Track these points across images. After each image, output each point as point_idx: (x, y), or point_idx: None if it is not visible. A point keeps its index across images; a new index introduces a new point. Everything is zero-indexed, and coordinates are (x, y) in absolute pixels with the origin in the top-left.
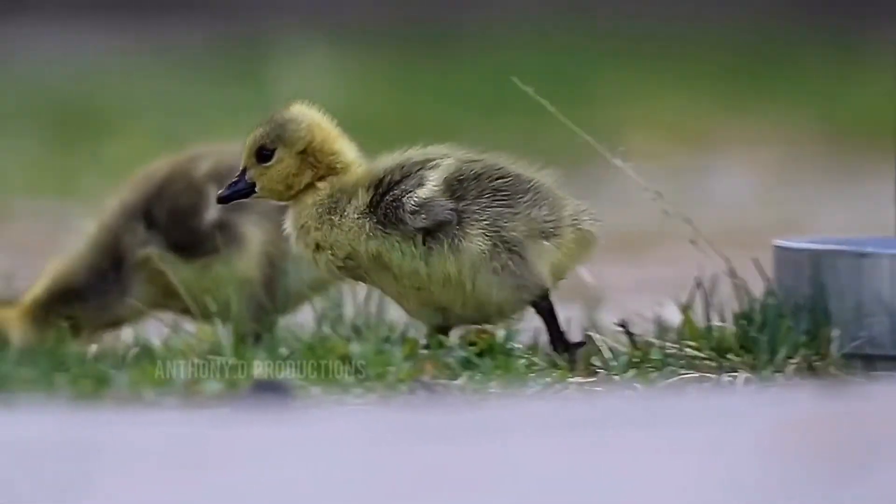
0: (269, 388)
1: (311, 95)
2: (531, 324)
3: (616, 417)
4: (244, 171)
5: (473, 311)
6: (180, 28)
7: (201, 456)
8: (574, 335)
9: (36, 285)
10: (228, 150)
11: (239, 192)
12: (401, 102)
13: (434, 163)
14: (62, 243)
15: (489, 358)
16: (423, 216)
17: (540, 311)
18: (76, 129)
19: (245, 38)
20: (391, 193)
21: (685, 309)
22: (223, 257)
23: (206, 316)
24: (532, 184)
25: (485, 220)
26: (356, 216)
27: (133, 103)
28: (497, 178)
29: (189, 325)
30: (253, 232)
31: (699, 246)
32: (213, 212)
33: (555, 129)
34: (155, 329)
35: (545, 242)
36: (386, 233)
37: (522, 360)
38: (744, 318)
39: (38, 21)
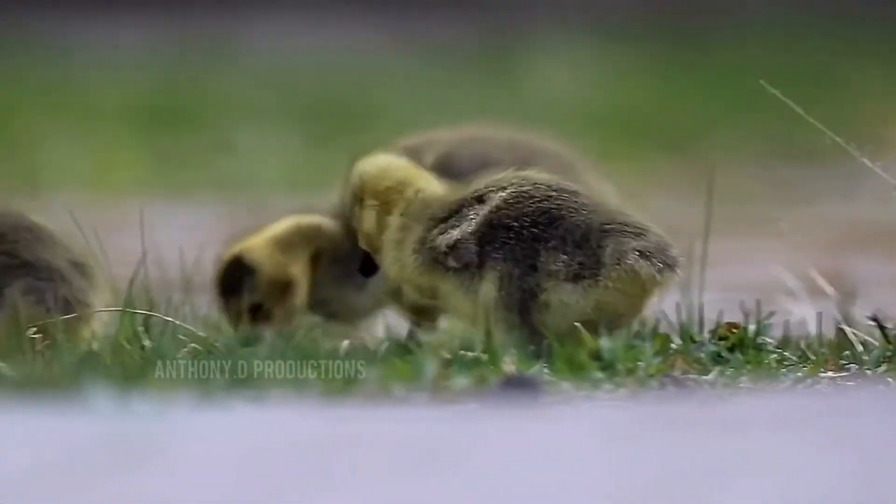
0: (519, 384)
1: (562, 90)
2: (782, 318)
3: (868, 412)
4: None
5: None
6: (435, 23)
7: (449, 452)
8: (827, 330)
9: None
10: (444, 138)
11: (368, 268)
12: (653, 99)
13: (487, 197)
14: None
15: (740, 353)
16: (452, 258)
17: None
18: (333, 125)
19: (498, 33)
20: (435, 230)
21: None
22: None
23: (434, 315)
24: (578, 222)
25: (498, 268)
26: (410, 252)
27: (388, 98)
28: (534, 223)
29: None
30: None
31: None
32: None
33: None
34: (405, 325)
35: (570, 285)
36: (432, 269)
37: (773, 355)
38: None
39: (296, 18)
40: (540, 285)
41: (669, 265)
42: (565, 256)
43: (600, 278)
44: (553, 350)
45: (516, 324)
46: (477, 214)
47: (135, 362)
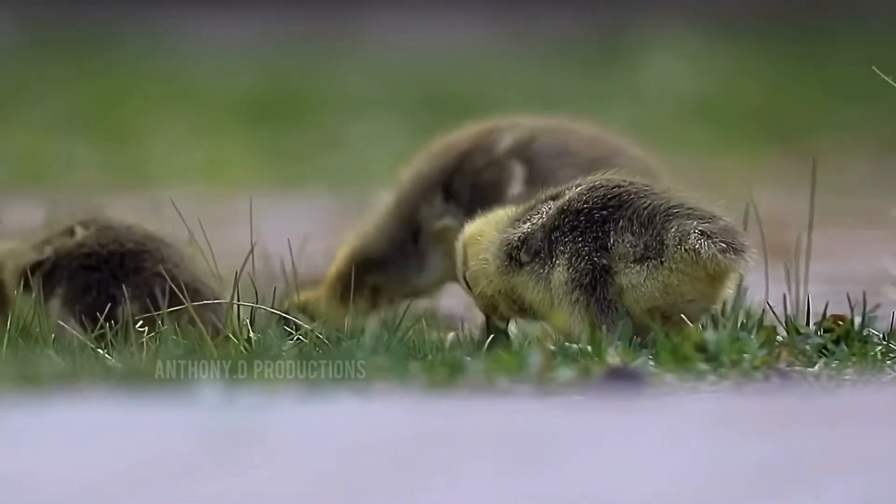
0: (623, 376)
1: (675, 82)
2: (888, 310)
3: None
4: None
5: None
6: (548, 16)
7: (553, 443)
8: None
9: (338, 258)
10: (529, 123)
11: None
12: (764, 90)
13: (560, 195)
14: None
15: (845, 345)
16: (524, 252)
17: None
18: (443, 118)
19: (611, 26)
20: (510, 230)
21: None
22: None
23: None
24: (645, 204)
25: (568, 248)
26: (492, 258)
27: (500, 91)
28: (604, 206)
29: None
30: None
31: None
32: (516, 187)
33: None
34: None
35: (637, 267)
36: (509, 268)
37: (879, 347)
38: None
39: (409, 11)
40: (612, 266)
41: (735, 249)
42: (632, 238)
43: (664, 260)
44: (658, 341)
45: (591, 303)
46: (549, 209)
47: (241, 355)
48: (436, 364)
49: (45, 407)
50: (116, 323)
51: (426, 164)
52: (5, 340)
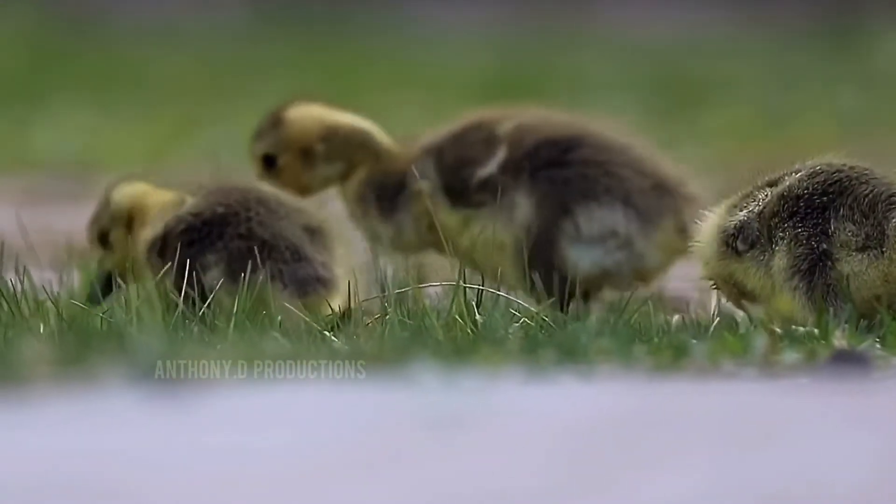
0: (850, 359)
1: None
2: None
3: None
4: None
5: None
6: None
7: (777, 426)
8: None
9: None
10: (534, 114)
11: None
12: None
13: (780, 181)
14: None
15: None
16: (740, 240)
17: None
18: (677, 99)
19: (848, 10)
20: (728, 217)
21: None
22: (488, 216)
23: (456, 258)
24: (865, 192)
25: (786, 239)
26: (712, 243)
27: (735, 74)
28: (825, 192)
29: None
30: (524, 201)
31: None
32: (486, 169)
33: None
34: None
35: (858, 255)
36: (726, 255)
37: None
38: None
39: None
40: (832, 252)
41: None
42: (853, 227)
43: (885, 250)
44: (885, 325)
45: (814, 288)
46: (766, 196)
47: (466, 337)
48: (661, 346)
49: (271, 389)
50: (209, 289)
51: (442, 129)
52: (232, 322)
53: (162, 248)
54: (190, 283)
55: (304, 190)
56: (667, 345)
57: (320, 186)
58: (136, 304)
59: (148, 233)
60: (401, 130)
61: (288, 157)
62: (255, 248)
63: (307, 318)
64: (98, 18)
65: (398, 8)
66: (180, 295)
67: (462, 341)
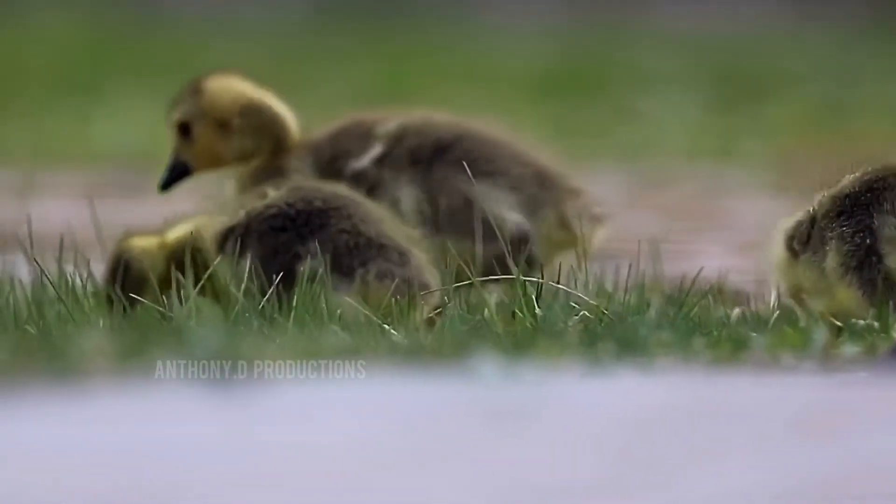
0: None
1: None
2: None
3: None
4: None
5: None
6: None
7: (838, 419)
8: None
9: None
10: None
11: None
12: None
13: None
14: (715, 206)
15: None
16: (796, 241)
17: None
18: (737, 93)
19: None
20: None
21: None
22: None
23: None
24: None
25: (835, 238)
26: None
27: (795, 69)
28: (869, 189)
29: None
30: (407, 192)
31: None
32: (358, 163)
33: None
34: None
35: None
36: (790, 259)
37: None
38: None
39: None
40: (879, 249)
41: None
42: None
43: None
44: None
45: (868, 283)
46: (822, 196)
47: (526, 331)
48: (720, 340)
49: (330, 382)
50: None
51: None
52: (291, 315)
53: (244, 235)
54: (276, 270)
55: (215, 162)
56: (726, 338)
57: (232, 160)
58: (194, 297)
59: (216, 223)
60: None
61: (203, 127)
62: (361, 244)
63: (366, 312)
64: (158, 9)
65: (460, 0)
66: (266, 280)
67: (521, 335)
